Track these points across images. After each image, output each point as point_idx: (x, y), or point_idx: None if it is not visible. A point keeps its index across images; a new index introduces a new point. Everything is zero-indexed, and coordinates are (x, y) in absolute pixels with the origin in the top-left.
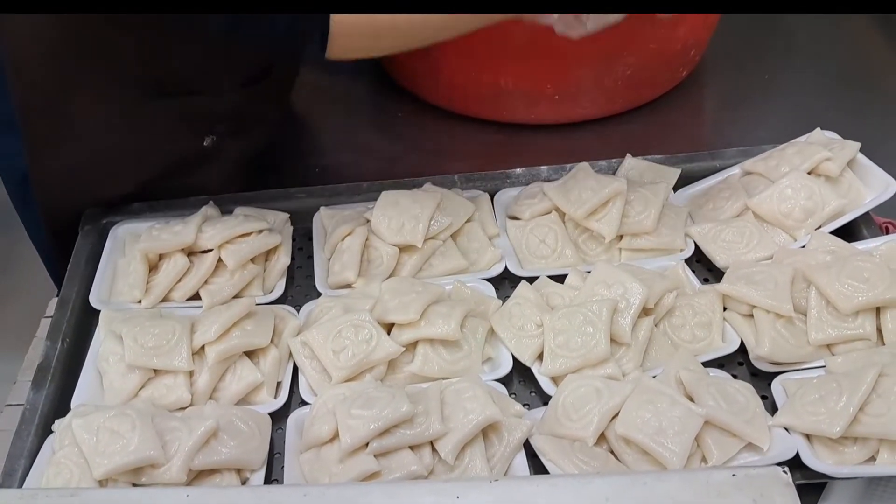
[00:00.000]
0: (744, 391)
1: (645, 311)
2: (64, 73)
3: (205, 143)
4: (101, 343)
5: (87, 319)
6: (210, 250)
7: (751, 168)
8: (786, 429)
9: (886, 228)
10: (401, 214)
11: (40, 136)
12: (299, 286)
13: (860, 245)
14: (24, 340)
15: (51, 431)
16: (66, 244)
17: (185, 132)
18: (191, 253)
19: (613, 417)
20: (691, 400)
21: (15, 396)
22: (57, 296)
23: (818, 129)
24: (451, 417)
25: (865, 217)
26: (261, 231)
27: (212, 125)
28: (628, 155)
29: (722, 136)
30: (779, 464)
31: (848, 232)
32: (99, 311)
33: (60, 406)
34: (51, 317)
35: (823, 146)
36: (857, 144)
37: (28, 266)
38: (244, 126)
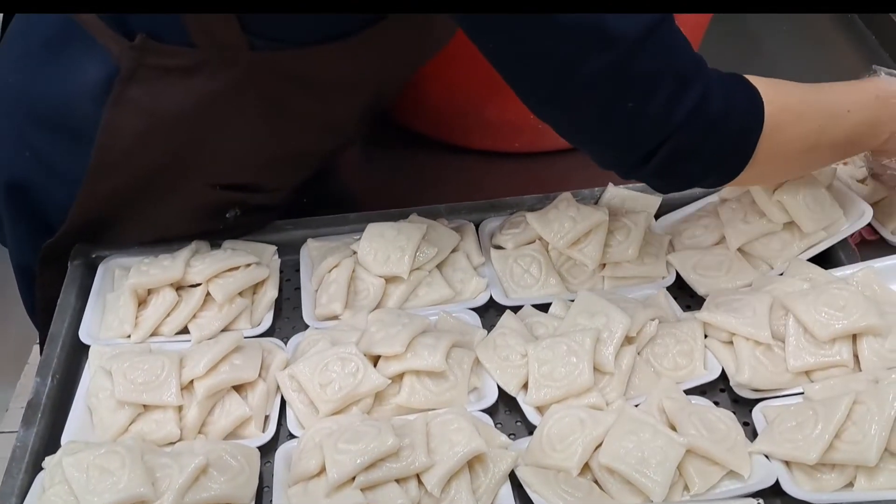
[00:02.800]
0: (725, 419)
1: (628, 340)
2: (157, 148)
3: (227, 216)
4: (90, 379)
5: (77, 355)
6: (198, 284)
7: (726, 196)
8: (766, 456)
9: (861, 234)
10: (387, 246)
11: (99, 197)
12: (287, 318)
13: (837, 272)
14: (16, 367)
15: (41, 468)
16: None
17: (218, 211)
18: (179, 287)
19: (597, 447)
20: (674, 428)
21: (7, 424)
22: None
23: None
24: (437, 450)
25: (843, 243)
26: (248, 265)
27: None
28: (610, 184)
29: None
30: (759, 491)
31: (825, 257)
32: (88, 347)
33: (51, 443)
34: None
35: None
36: (833, 170)
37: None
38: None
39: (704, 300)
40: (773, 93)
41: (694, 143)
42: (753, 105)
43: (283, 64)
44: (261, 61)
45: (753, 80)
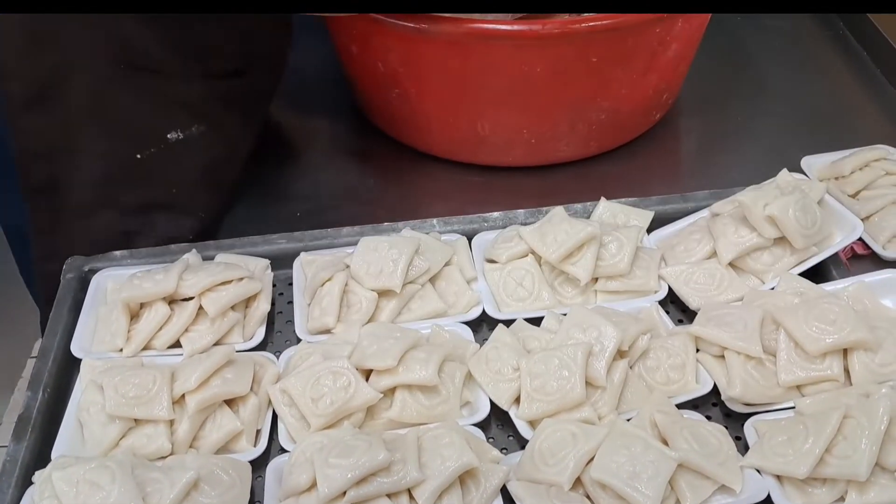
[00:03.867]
0: (717, 433)
1: (620, 354)
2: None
3: (168, 136)
4: (81, 393)
5: (68, 369)
6: (191, 298)
7: (717, 210)
8: (758, 470)
9: (852, 249)
10: (380, 260)
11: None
12: (279, 332)
13: (828, 287)
14: (9, 381)
15: (31, 483)
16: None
17: (153, 118)
18: (172, 301)
19: (589, 461)
20: (666, 443)
21: (0, 438)
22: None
23: (784, 170)
24: (429, 464)
25: (834, 257)
26: (241, 278)
27: (179, 117)
28: (602, 198)
29: (696, 178)
30: None
31: (816, 272)
32: (80, 360)
33: (41, 457)
34: (36, 358)
35: (792, 187)
36: (824, 185)
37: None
38: (210, 131)
39: (696, 314)
40: None
41: None
42: None
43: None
44: None
45: None
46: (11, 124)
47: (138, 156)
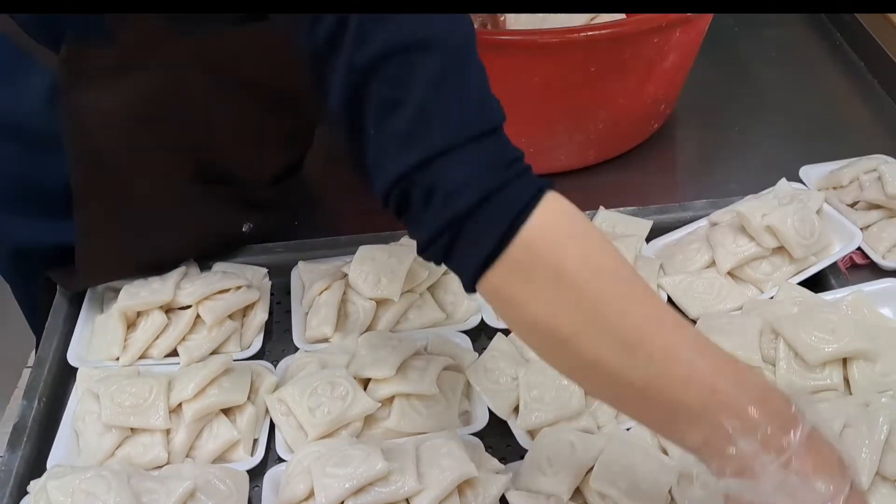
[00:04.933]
0: None
1: None
2: (125, 148)
3: (244, 230)
4: (77, 402)
5: (64, 378)
6: (188, 307)
7: (716, 220)
8: None
9: (851, 259)
10: (378, 269)
11: (98, 215)
12: (277, 341)
13: (827, 296)
14: (5, 391)
15: (26, 493)
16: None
17: (226, 217)
18: (168, 309)
19: (589, 471)
20: (665, 451)
21: None
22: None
23: (783, 179)
24: (427, 474)
25: (833, 266)
26: (239, 287)
27: (248, 215)
28: (601, 207)
29: (693, 187)
30: None
31: (815, 281)
32: (76, 369)
33: (36, 466)
34: (32, 366)
35: (791, 197)
36: (822, 195)
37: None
38: (274, 215)
39: (695, 322)
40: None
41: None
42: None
43: (214, 44)
44: (193, 45)
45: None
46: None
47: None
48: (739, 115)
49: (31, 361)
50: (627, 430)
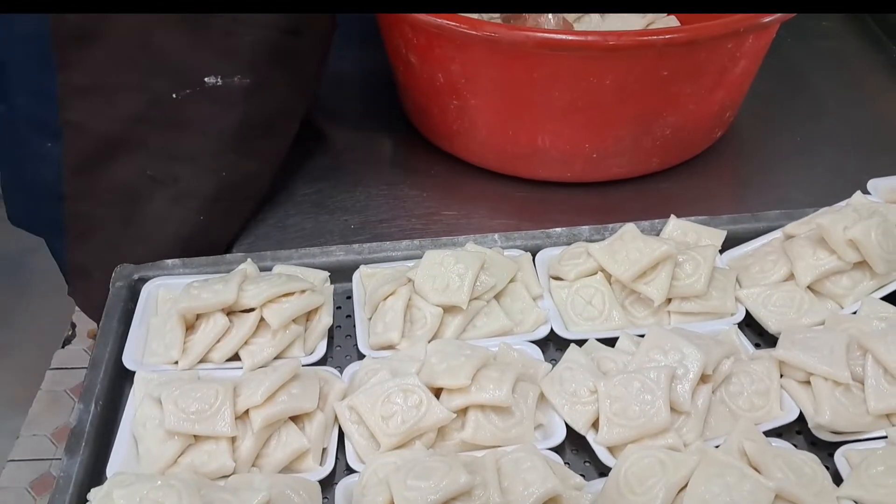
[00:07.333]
0: (810, 462)
1: (703, 378)
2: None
3: (206, 80)
4: (136, 407)
5: (119, 381)
6: (251, 309)
7: (792, 231)
8: (855, 501)
9: None
10: (445, 274)
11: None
12: (339, 347)
13: None
14: (28, 394)
15: (86, 501)
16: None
17: (195, 58)
18: (230, 312)
19: (680, 491)
20: (757, 471)
21: (18, 452)
22: (62, 347)
23: (858, 192)
24: (510, 489)
25: None
26: (304, 291)
27: (222, 63)
28: (672, 216)
29: (758, 197)
30: None
31: (895, 296)
32: (131, 373)
33: (94, 473)
34: (55, 369)
35: (870, 210)
36: None
37: (29, 320)
38: (253, 87)
39: (772, 338)
40: None
41: None
42: None
43: None
44: None
45: None
46: (59, 59)
47: (174, 95)
48: (799, 125)
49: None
50: (716, 447)
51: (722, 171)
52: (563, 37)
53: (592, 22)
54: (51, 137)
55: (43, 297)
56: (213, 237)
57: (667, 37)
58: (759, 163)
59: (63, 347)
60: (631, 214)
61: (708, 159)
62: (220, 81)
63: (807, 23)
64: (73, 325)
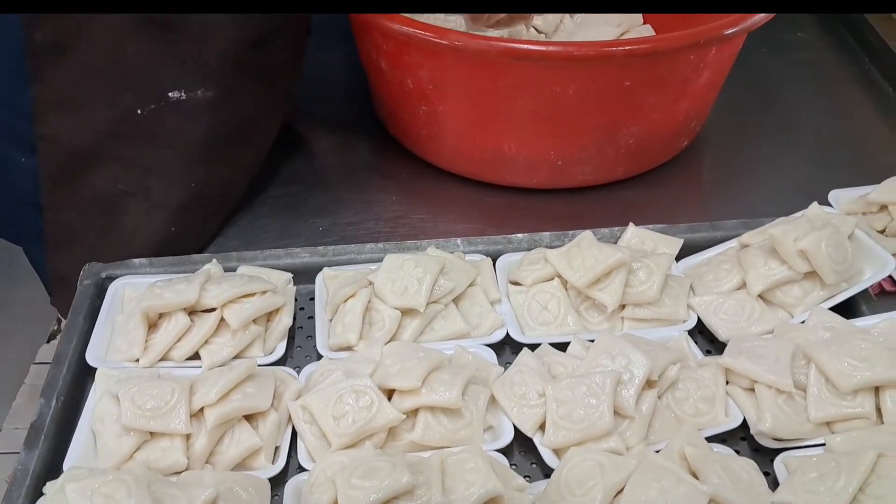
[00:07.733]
0: (748, 468)
1: (649, 384)
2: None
3: (169, 95)
4: (96, 403)
5: (82, 377)
6: (212, 309)
7: (746, 241)
8: None
9: (881, 286)
10: (405, 278)
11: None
12: (300, 347)
13: (859, 322)
14: (11, 388)
15: (41, 493)
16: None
17: (158, 73)
18: (192, 312)
19: (617, 494)
20: (696, 476)
21: (0, 445)
22: (47, 342)
23: (814, 203)
24: (453, 489)
25: (863, 293)
26: (265, 291)
27: (185, 77)
28: (631, 224)
29: (721, 207)
30: None
31: (845, 306)
32: (94, 369)
33: (52, 467)
34: (40, 363)
35: (823, 221)
36: (854, 220)
37: (16, 313)
38: (218, 99)
39: (723, 345)
40: None
41: None
42: None
43: None
44: None
45: None
46: (32, 73)
47: (139, 111)
48: (768, 135)
49: (38, 357)
50: (657, 452)
51: (687, 179)
52: (526, 46)
53: (567, 31)
54: (25, 151)
55: (28, 292)
56: (185, 246)
57: (627, 48)
58: (725, 172)
59: (48, 342)
60: (595, 221)
61: (674, 168)
62: (183, 95)
63: (783, 34)
64: (59, 321)
